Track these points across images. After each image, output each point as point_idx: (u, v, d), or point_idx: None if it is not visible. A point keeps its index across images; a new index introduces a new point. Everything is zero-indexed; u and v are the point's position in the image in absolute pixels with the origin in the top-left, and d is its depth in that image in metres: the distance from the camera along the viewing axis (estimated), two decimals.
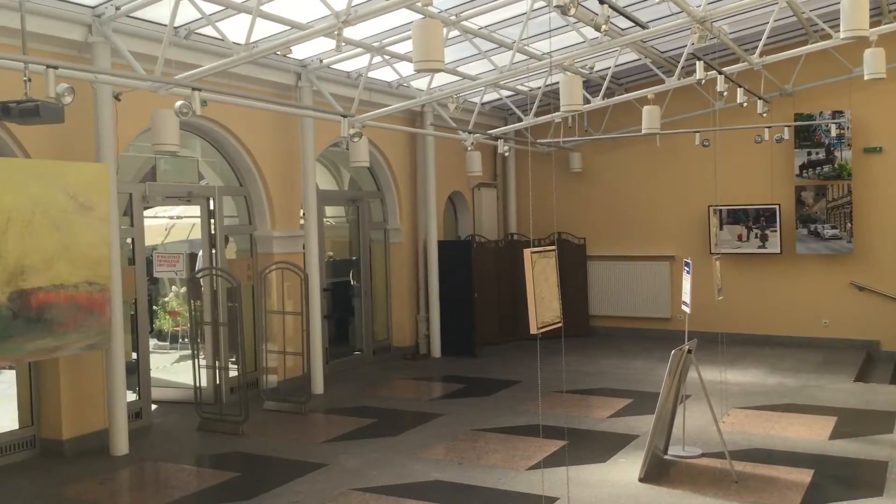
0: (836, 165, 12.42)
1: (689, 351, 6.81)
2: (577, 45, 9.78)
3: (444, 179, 13.10)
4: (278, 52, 7.93)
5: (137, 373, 8.60)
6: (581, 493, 6.32)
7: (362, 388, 10.49)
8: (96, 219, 6.86)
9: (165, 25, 7.22)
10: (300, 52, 9.40)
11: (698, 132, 11.97)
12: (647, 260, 13.96)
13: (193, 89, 6.91)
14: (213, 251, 9.67)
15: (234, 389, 8.93)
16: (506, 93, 12.36)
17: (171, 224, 13.04)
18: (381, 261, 12.69)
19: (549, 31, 8.20)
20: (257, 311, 9.79)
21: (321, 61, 9.92)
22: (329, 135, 10.51)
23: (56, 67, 5.89)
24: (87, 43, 7.48)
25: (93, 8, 7.41)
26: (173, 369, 11.35)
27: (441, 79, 10.90)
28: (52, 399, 7.65)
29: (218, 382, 9.32)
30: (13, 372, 8.00)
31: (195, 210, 10.32)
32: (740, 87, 10.02)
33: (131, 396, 8.31)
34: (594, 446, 7.60)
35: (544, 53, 9.92)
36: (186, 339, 11.93)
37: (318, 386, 10.19)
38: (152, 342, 9.57)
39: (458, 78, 10.85)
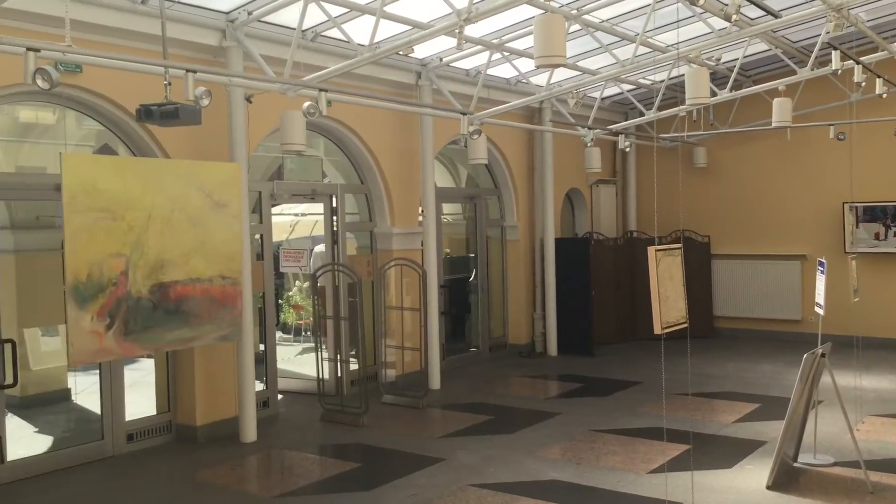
0: None
1: (823, 355, 6.50)
2: (704, 37, 9.47)
3: (562, 176, 12.98)
4: (400, 52, 8.06)
5: (265, 364, 8.95)
6: (706, 498, 6.13)
7: (478, 385, 10.55)
8: (229, 216, 7.18)
9: (293, 29, 7.47)
10: (421, 51, 9.51)
11: (833, 125, 11.36)
12: (777, 259, 13.43)
13: (320, 90, 7.12)
14: (336, 247, 9.94)
15: (355, 382, 9.16)
16: (627, 87, 12.12)
17: (295, 221, 13.50)
18: (498, 258, 12.71)
19: (678, 21, 7.97)
20: (377, 306, 10.01)
21: (441, 59, 10.01)
22: (447, 133, 10.61)
23: (195, 71, 6.13)
24: (221, 47, 7.81)
25: (227, 13, 7.72)
26: (297, 361, 11.76)
27: (560, 74, 10.79)
28: (188, 387, 8.05)
29: (339, 375, 9.57)
30: (152, 361, 8.47)
31: (318, 207, 10.64)
32: (879, 77, 9.46)
33: (259, 386, 8.65)
34: (719, 451, 7.36)
35: (668, 45, 9.66)
36: (309, 333, 12.33)
37: (435, 381, 10.31)
38: (277, 335, 9.93)
39: (578, 73, 10.73)
